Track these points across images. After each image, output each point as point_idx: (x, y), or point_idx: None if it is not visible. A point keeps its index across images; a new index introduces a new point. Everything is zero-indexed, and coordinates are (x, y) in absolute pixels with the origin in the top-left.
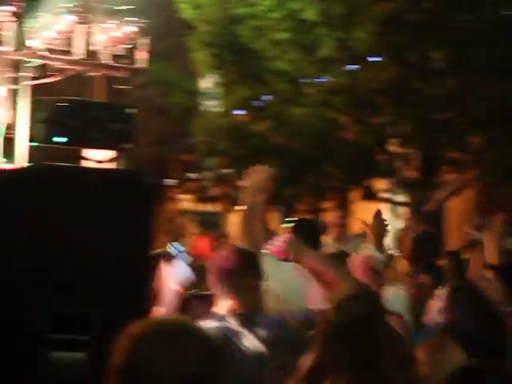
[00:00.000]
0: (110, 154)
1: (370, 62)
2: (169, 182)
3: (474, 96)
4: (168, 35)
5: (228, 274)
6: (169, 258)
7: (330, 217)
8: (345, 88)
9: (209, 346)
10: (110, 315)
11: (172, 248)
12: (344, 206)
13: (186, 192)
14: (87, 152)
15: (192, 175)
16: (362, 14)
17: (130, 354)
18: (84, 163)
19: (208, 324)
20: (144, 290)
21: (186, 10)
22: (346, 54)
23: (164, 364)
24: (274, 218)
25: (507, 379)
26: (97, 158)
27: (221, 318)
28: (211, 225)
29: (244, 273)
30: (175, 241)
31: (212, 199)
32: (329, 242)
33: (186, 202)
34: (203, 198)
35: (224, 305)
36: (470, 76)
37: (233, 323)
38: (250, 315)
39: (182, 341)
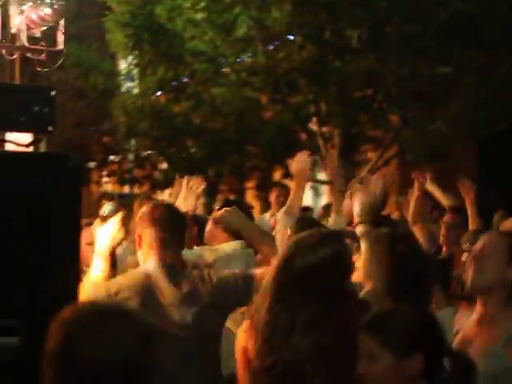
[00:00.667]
0: (33, 137)
1: (288, 41)
2: (90, 164)
3: (390, 74)
4: (85, 16)
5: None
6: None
7: (272, 195)
8: (263, 67)
9: (142, 328)
10: (36, 300)
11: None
12: (266, 186)
13: (107, 174)
14: (10, 135)
15: (113, 157)
16: None
17: (62, 338)
18: (7, 147)
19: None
20: (73, 274)
21: None
22: (262, 33)
23: (97, 347)
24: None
25: None
26: (20, 141)
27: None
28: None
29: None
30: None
31: (134, 181)
32: (267, 217)
33: (108, 184)
34: (125, 180)
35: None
36: (385, 54)
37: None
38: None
39: (114, 324)
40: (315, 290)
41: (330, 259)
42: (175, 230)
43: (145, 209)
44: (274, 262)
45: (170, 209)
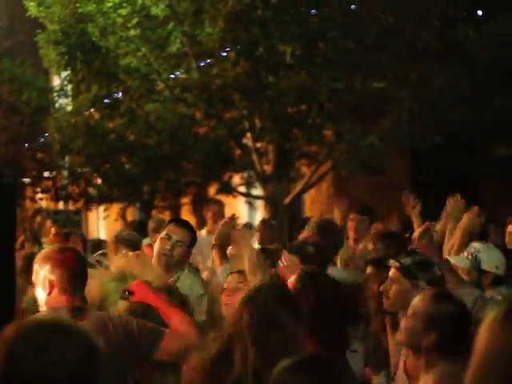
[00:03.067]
0: None
1: (221, 57)
2: (25, 180)
3: (324, 89)
4: (19, 32)
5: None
6: None
7: (208, 212)
8: (197, 83)
9: (87, 343)
10: None
11: None
12: (201, 201)
13: (42, 191)
14: None
15: (47, 174)
16: (209, 11)
17: (6, 355)
18: None
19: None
20: (8, 291)
21: (32, 8)
22: (196, 49)
23: (42, 364)
24: (131, 214)
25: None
26: None
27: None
28: (71, 223)
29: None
30: (35, 240)
31: (68, 197)
32: (203, 234)
33: (42, 200)
34: (59, 197)
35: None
36: (318, 69)
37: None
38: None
39: (60, 339)
40: None
41: None
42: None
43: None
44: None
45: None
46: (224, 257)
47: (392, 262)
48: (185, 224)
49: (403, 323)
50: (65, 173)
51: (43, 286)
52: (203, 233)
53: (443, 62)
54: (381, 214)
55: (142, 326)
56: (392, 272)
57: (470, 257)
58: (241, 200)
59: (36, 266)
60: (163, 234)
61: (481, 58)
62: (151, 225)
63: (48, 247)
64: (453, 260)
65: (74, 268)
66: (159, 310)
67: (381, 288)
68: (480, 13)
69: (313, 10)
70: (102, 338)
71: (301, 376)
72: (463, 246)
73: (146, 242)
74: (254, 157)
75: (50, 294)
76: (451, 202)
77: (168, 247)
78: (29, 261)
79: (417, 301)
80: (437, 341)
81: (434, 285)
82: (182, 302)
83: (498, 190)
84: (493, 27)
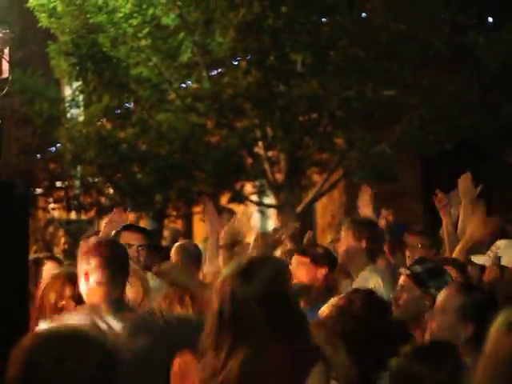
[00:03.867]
0: None
1: (232, 66)
2: (37, 190)
3: (335, 97)
4: (30, 43)
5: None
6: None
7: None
8: (208, 93)
9: (103, 349)
10: None
11: None
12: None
13: (54, 201)
14: None
15: (59, 184)
16: (220, 20)
17: (24, 365)
18: None
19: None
20: (21, 301)
21: (44, 19)
22: (207, 59)
23: (60, 373)
24: (144, 223)
25: None
26: None
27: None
28: (83, 233)
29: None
30: (48, 250)
31: (81, 207)
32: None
33: (55, 210)
34: (71, 207)
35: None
36: (329, 78)
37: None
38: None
39: (76, 347)
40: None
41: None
42: (119, 265)
43: (88, 244)
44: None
45: (114, 244)
46: (231, 258)
47: (403, 269)
48: (137, 228)
49: (432, 324)
50: (77, 183)
51: (83, 279)
52: None
53: (454, 68)
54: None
55: (182, 317)
56: (402, 280)
57: (491, 254)
58: (253, 209)
59: (78, 259)
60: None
61: (491, 64)
62: (166, 234)
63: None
64: (474, 259)
65: (111, 259)
66: None
67: (391, 296)
68: (491, 20)
69: (323, 19)
70: (142, 330)
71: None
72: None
73: None
74: (266, 165)
75: (87, 285)
76: (462, 183)
77: (135, 254)
78: (35, 265)
79: (443, 296)
80: (475, 331)
81: None
82: None
83: (507, 196)
84: (503, 34)
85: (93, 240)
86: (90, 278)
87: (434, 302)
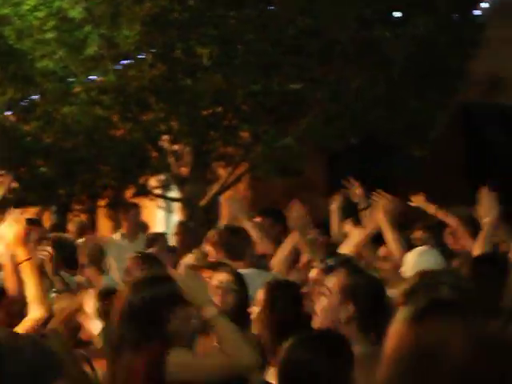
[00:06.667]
0: None
1: (138, 60)
2: None
3: (241, 91)
4: None
5: None
6: None
7: (127, 215)
8: (113, 86)
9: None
10: None
11: None
12: (118, 204)
13: None
14: None
15: None
16: (126, 14)
17: None
18: None
19: None
20: None
21: None
22: (113, 52)
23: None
24: (47, 218)
25: None
26: None
27: None
28: None
29: None
30: None
31: None
32: (117, 237)
33: None
34: None
35: None
36: (235, 71)
37: None
38: None
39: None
40: None
41: None
42: None
43: None
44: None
45: None
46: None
47: (316, 263)
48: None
49: (317, 307)
50: None
51: None
52: (117, 236)
53: (360, 63)
54: None
55: None
56: (315, 273)
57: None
58: (158, 203)
59: None
60: None
61: (397, 59)
62: (71, 227)
63: None
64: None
65: None
66: None
67: (304, 290)
68: (397, 15)
69: (230, 12)
70: None
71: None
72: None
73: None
74: (171, 159)
75: None
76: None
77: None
78: None
79: (329, 280)
80: (355, 312)
81: None
82: None
83: (413, 190)
84: (409, 29)
85: None
86: None
87: None
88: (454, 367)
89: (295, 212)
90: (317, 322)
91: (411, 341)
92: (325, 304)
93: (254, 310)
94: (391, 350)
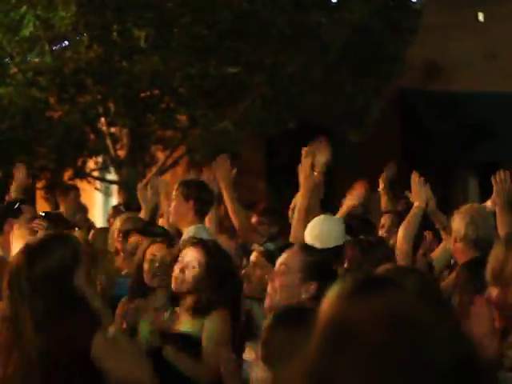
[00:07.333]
0: None
1: (75, 41)
2: None
3: (178, 74)
4: None
5: None
6: None
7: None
8: (50, 67)
9: None
10: None
11: None
12: (55, 186)
13: None
14: None
15: None
16: None
17: None
18: None
19: None
20: None
21: None
22: (49, 33)
23: None
24: None
25: None
26: None
27: None
28: None
29: None
30: None
31: None
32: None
33: None
34: None
35: None
36: (172, 54)
37: None
38: None
39: None
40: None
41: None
42: None
43: None
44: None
45: None
46: None
47: (256, 246)
48: None
49: (271, 286)
50: None
51: None
52: None
53: (297, 48)
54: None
55: None
56: (255, 256)
57: None
58: (96, 185)
59: None
60: None
61: (333, 44)
62: None
63: None
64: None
65: None
66: None
67: (243, 272)
68: (334, 0)
69: None
70: None
71: None
72: None
73: None
74: (108, 141)
75: None
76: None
77: None
78: None
79: (286, 257)
80: (317, 291)
81: None
82: None
83: (350, 175)
84: (345, 14)
85: None
86: None
87: None
88: (369, 342)
89: (221, 166)
90: (271, 302)
91: (335, 316)
92: (283, 283)
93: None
94: (318, 324)
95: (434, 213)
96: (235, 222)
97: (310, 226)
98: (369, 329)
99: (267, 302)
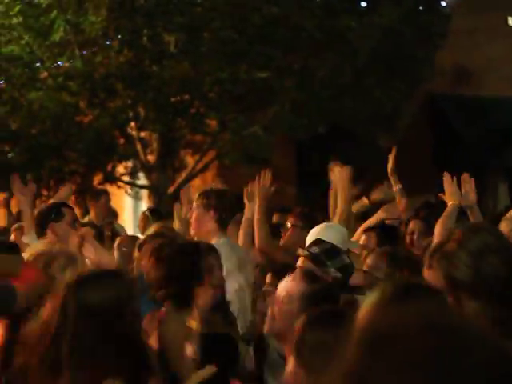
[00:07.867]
0: None
1: (105, 46)
2: None
3: (208, 79)
4: None
5: None
6: None
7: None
8: (80, 72)
9: None
10: None
11: None
12: (85, 191)
13: None
14: None
15: None
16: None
17: None
18: None
19: None
20: None
21: None
22: (79, 38)
23: None
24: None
25: None
26: None
27: None
28: None
29: None
30: None
31: None
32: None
33: None
34: None
35: None
36: (201, 59)
37: None
38: None
39: None
40: None
41: None
42: None
43: None
44: None
45: None
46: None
47: (300, 250)
48: None
49: (271, 311)
50: None
51: None
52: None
53: (327, 52)
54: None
55: None
56: (301, 261)
57: None
58: (126, 190)
59: None
60: None
61: (363, 48)
62: None
63: None
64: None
65: None
66: None
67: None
68: (363, 4)
69: (197, 0)
70: None
71: None
72: None
73: None
74: (138, 146)
75: None
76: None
77: None
78: None
79: (288, 285)
80: None
81: (343, 271)
82: None
83: (380, 179)
84: (375, 19)
85: None
86: None
87: (332, 280)
88: (406, 349)
89: (263, 179)
90: (270, 327)
91: (373, 322)
92: (282, 310)
93: None
94: (356, 331)
95: (472, 208)
96: (256, 234)
97: (311, 233)
98: (407, 335)
99: (266, 326)
